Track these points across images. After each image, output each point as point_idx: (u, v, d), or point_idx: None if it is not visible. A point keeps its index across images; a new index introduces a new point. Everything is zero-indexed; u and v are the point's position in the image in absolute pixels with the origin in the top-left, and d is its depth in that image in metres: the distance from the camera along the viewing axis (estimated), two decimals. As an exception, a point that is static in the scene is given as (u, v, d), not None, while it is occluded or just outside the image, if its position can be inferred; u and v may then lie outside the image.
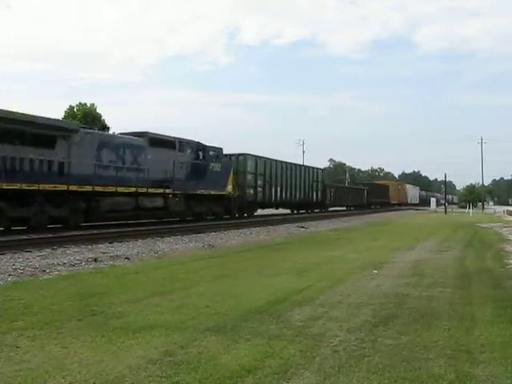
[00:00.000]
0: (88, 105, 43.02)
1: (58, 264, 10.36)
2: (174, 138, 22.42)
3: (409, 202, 77.67)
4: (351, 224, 28.84)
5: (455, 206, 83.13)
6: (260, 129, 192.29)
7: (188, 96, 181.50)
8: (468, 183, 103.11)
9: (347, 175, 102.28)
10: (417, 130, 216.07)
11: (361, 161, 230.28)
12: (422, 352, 4.69)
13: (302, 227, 24.01)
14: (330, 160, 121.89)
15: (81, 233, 16.24)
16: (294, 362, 4.40)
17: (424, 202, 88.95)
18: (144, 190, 20.04)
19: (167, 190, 21.60)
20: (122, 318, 5.84)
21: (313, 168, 40.48)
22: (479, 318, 6.08)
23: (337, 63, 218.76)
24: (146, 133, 21.08)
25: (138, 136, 20.69)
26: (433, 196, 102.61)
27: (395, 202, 69.41)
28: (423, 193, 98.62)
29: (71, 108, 42.43)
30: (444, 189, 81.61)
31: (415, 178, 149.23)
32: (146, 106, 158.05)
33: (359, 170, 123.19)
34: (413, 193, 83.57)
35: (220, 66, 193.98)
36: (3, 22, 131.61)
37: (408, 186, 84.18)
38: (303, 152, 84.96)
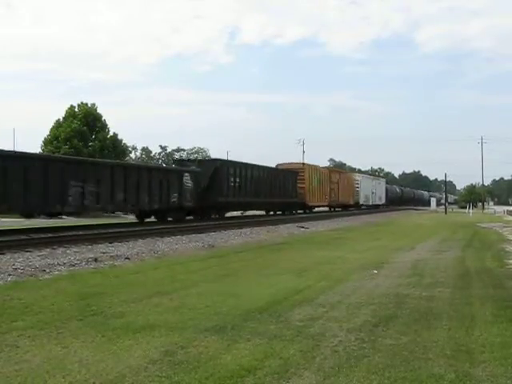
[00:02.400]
0: (89, 105, 43.01)
1: (58, 264, 10.37)
2: None
3: (363, 202, 51.28)
4: (351, 224, 28.85)
5: (455, 206, 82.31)
6: (260, 128, 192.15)
7: (188, 96, 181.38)
8: (468, 183, 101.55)
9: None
10: (417, 129, 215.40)
11: (361, 161, 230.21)
12: (422, 352, 4.68)
13: (302, 227, 24.02)
14: (330, 160, 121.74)
15: (81, 233, 16.25)
16: (293, 361, 4.40)
17: (399, 202, 70.85)
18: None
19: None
20: (122, 318, 5.84)
21: None
22: (479, 318, 6.08)
23: (337, 63, 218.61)
24: None
25: None
26: (413, 193, 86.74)
27: (319, 204, 38.80)
28: (396, 189, 74.41)
29: (72, 108, 42.40)
30: (444, 189, 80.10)
31: (415, 178, 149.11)
32: (145, 106, 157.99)
33: (359, 169, 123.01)
34: (370, 188, 54.52)
35: (220, 66, 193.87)
36: (3, 22, 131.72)
37: (360, 176, 54.51)
38: (303, 152, 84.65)
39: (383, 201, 60.80)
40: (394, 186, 78.59)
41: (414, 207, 71.87)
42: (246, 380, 3.97)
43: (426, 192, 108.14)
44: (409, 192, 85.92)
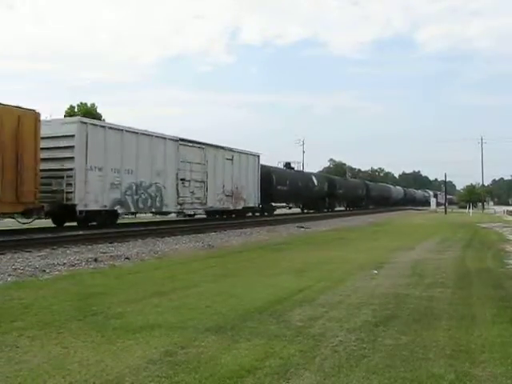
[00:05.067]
0: (89, 105, 43.02)
1: (58, 264, 10.36)
2: None
3: (110, 203, 18.06)
4: (351, 224, 28.84)
5: (455, 206, 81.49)
6: (260, 128, 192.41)
7: (188, 96, 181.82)
8: (468, 183, 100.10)
9: (347, 175, 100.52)
10: (417, 129, 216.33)
11: (361, 161, 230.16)
12: (422, 352, 4.68)
13: (302, 227, 24.01)
14: (330, 160, 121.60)
15: (81, 233, 16.24)
16: (294, 361, 4.39)
17: (328, 202, 43.31)
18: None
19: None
20: (121, 318, 5.84)
21: None
22: (479, 318, 6.08)
23: (338, 63, 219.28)
24: None
25: None
26: (365, 189, 55.41)
27: None
28: (312, 180, 40.44)
29: (72, 108, 42.40)
30: (444, 189, 78.93)
31: (415, 178, 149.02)
32: (145, 106, 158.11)
33: (359, 170, 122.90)
34: (171, 166, 21.15)
35: (221, 66, 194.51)
36: (4, 22, 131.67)
37: (77, 123, 17.03)
38: (303, 152, 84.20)
39: (253, 201, 28.55)
40: (311, 173, 42.42)
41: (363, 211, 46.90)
42: (246, 380, 3.97)
43: (398, 188, 76.81)
44: (354, 186, 52.79)
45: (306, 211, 41.28)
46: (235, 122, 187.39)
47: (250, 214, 29.73)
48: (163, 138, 21.13)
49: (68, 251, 12.45)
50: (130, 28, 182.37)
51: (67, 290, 7.62)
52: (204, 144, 23.99)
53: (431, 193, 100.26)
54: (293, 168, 40.33)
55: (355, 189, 52.65)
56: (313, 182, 40.83)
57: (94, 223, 18.16)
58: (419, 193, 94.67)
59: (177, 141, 21.93)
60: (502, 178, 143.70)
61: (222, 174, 25.32)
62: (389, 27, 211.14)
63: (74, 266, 10.38)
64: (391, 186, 72.96)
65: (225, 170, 25.55)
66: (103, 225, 18.08)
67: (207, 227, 20.66)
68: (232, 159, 26.41)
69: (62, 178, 16.79)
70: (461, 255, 13.16)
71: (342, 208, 51.33)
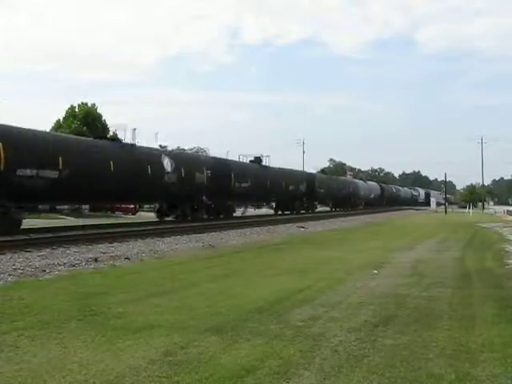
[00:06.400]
0: (89, 105, 43.02)
1: (58, 264, 10.36)
2: None
3: None
4: (351, 224, 28.84)
5: (455, 206, 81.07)
6: (260, 128, 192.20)
7: (188, 96, 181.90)
8: (468, 183, 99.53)
9: (348, 175, 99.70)
10: (417, 130, 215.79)
11: (361, 161, 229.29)
12: (422, 352, 4.68)
13: (302, 227, 24.01)
14: (330, 160, 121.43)
15: (81, 233, 16.25)
16: (294, 361, 4.39)
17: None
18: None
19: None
20: (121, 318, 5.84)
21: None
22: (479, 318, 6.08)
23: (338, 63, 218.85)
24: None
25: None
26: (291, 174, 35.56)
27: None
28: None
29: (72, 108, 42.38)
30: (444, 189, 78.38)
31: (415, 178, 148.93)
32: (145, 106, 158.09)
33: (359, 169, 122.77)
34: None
35: (221, 66, 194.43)
36: (3, 22, 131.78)
37: None
38: (303, 152, 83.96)
39: None
40: (161, 151, 24.87)
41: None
42: (246, 380, 3.97)
43: (371, 184, 58.77)
44: (281, 177, 33.82)
45: (164, 219, 24.12)
46: (235, 122, 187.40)
47: None
48: None
49: (68, 251, 12.45)
50: (130, 28, 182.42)
51: (67, 289, 7.62)
52: None
53: (421, 191, 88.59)
54: (118, 140, 21.50)
55: (283, 183, 33.48)
56: (162, 166, 22.24)
57: None
58: (405, 191, 77.88)
59: None
60: (502, 178, 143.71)
61: None
62: (389, 27, 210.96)
63: (74, 266, 10.38)
64: (358, 181, 55.14)
65: None
66: None
67: (207, 227, 20.67)
68: None
69: None
70: (461, 255, 13.17)
71: (265, 211, 36.10)
